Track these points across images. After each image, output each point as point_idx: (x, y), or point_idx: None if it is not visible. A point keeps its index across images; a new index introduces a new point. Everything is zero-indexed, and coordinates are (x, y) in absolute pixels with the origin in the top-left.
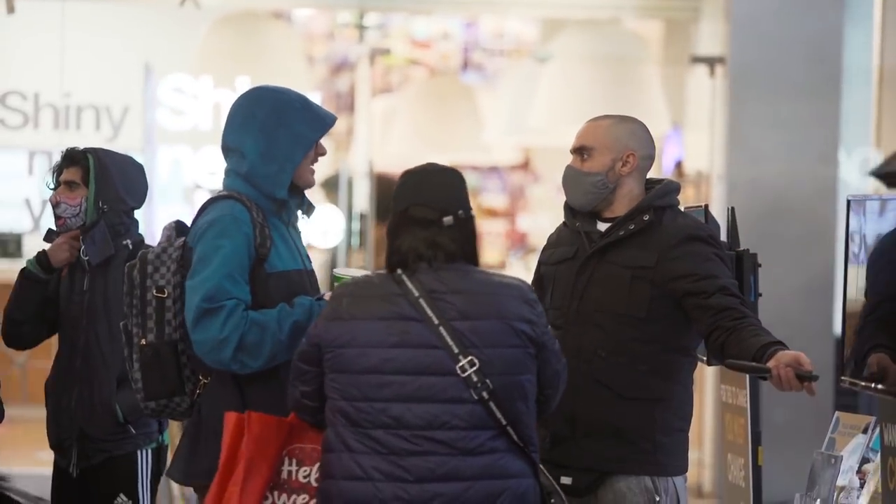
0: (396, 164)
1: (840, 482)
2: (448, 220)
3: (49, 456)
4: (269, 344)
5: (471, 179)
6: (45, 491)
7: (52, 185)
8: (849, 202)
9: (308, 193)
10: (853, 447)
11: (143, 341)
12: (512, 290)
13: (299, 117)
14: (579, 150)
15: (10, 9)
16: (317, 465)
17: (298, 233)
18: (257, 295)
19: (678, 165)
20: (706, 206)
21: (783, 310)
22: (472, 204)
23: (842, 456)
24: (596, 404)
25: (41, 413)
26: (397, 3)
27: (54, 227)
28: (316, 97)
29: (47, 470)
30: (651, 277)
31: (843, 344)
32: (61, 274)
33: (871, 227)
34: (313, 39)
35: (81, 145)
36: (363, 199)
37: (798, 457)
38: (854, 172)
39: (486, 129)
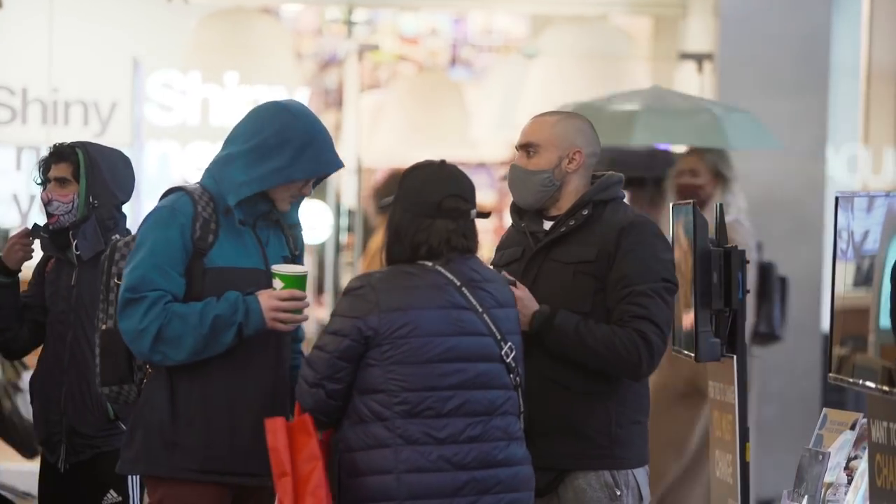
0: (384, 160)
1: (827, 479)
2: (474, 213)
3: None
4: (191, 337)
5: None
6: (33, 486)
7: (38, 181)
8: (837, 199)
9: None
10: (841, 443)
11: (104, 326)
12: (504, 279)
13: (296, 152)
14: (525, 147)
15: None
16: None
17: (279, 234)
18: (193, 288)
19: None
20: (694, 203)
21: None
22: None
23: (829, 452)
24: (549, 402)
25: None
26: None
27: (40, 224)
28: (304, 93)
29: (35, 465)
30: (592, 272)
31: (831, 340)
32: (45, 270)
33: (859, 224)
34: (302, 35)
35: (68, 140)
36: (351, 195)
37: (786, 453)
38: (842, 169)
39: (474, 125)
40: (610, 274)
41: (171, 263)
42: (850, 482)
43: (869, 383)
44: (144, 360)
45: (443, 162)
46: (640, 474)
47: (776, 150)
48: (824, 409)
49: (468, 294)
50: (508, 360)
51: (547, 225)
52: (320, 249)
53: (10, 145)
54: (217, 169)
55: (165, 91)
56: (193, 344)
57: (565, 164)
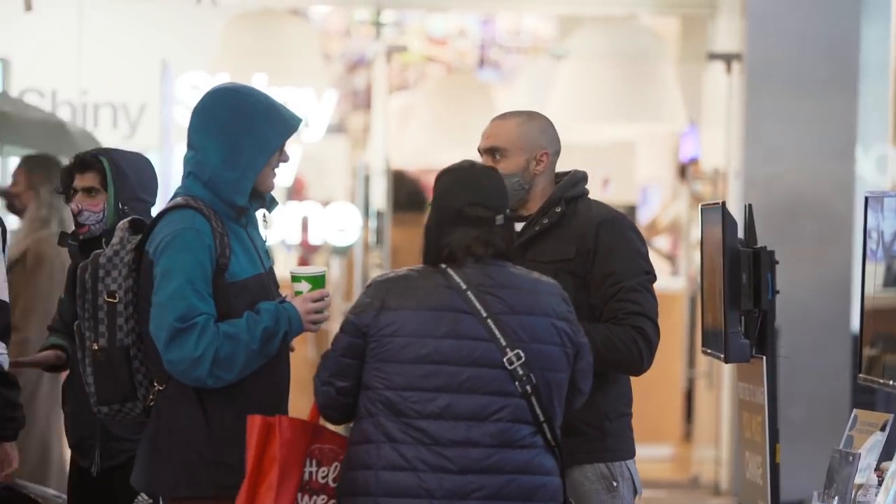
0: (413, 161)
1: (858, 480)
2: (500, 218)
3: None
4: (242, 355)
5: None
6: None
7: (59, 190)
8: (866, 199)
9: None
10: (871, 445)
11: (96, 346)
12: (551, 288)
13: (263, 120)
14: (490, 151)
15: (28, 6)
16: (334, 465)
17: (256, 228)
18: (219, 305)
19: (694, 162)
20: (723, 204)
21: (801, 307)
22: None
23: (860, 454)
24: None
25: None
26: (414, 0)
27: (67, 232)
28: (333, 94)
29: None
30: (573, 269)
31: (861, 341)
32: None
33: (889, 224)
34: (330, 37)
35: (100, 145)
36: (380, 196)
37: (816, 454)
38: (871, 169)
39: None
40: (592, 271)
41: (206, 286)
42: (880, 483)
43: None
44: (199, 386)
45: (472, 166)
46: (633, 465)
47: (806, 151)
48: (854, 410)
49: (472, 298)
50: (512, 368)
51: (518, 226)
52: (349, 251)
53: None
54: (203, 175)
55: (194, 93)
56: (245, 361)
57: (533, 167)
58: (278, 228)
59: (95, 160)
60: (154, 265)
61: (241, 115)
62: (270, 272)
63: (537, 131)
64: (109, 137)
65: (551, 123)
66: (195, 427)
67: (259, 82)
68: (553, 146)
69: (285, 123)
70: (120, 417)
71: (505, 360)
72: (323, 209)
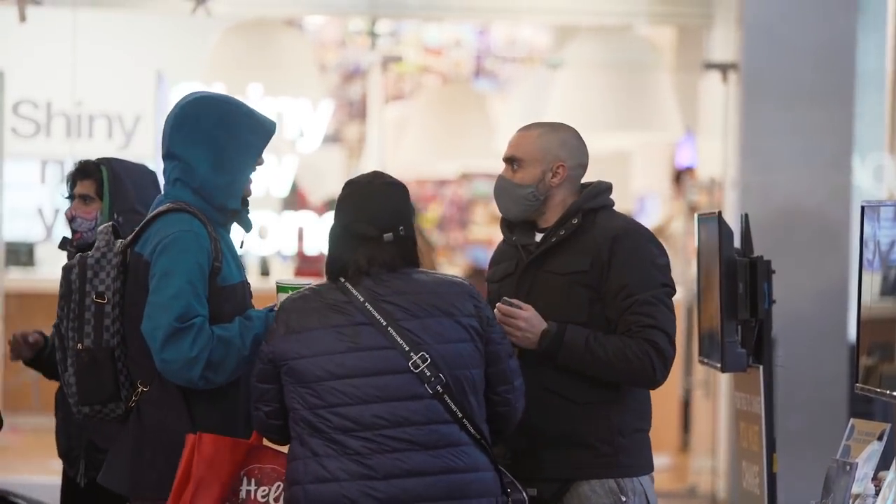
0: (409, 171)
1: (855, 490)
2: (388, 237)
3: (59, 465)
4: (234, 359)
5: (483, 186)
6: (55, 500)
7: (66, 195)
8: (863, 208)
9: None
10: (868, 454)
11: (80, 346)
12: (455, 287)
13: (246, 126)
14: (509, 160)
15: (22, 17)
16: (276, 485)
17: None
18: (210, 309)
19: (689, 171)
20: (719, 213)
21: (797, 316)
22: (484, 212)
23: (857, 463)
24: (551, 413)
25: (52, 422)
26: (409, 10)
27: (69, 237)
28: (328, 105)
29: (58, 479)
30: (587, 282)
31: (858, 350)
32: None
33: (886, 233)
34: (325, 47)
35: (94, 156)
36: None
37: (813, 464)
38: (868, 178)
39: (498, 137)
40: (607, 283)
41: (203, 289)
42: (878, 493)
43: None
44: (188, 386)
45: (370, 181)
46: (646, 481)
47: (802, 160)
48: (851, 420)
49: (371, 309)
50: (419, 370)
51: (538, 237)
52: None
53: (34, 159)
54: (194, 186)
55: None
56: (235, 366)
57: (549, 179)
58: (274, 239)
59: (95, 168)
60: (151, 266)
61: (226, 121)
62: (247, 283)
63: (556, 143)
64: (104, 148)
65: (576, 136)
66: (181, 429)
67: (254, 93)
68: (573, 159)
69: (264, 128)
70: (100, 418)
71: (410, 364)
72: (319, 219)
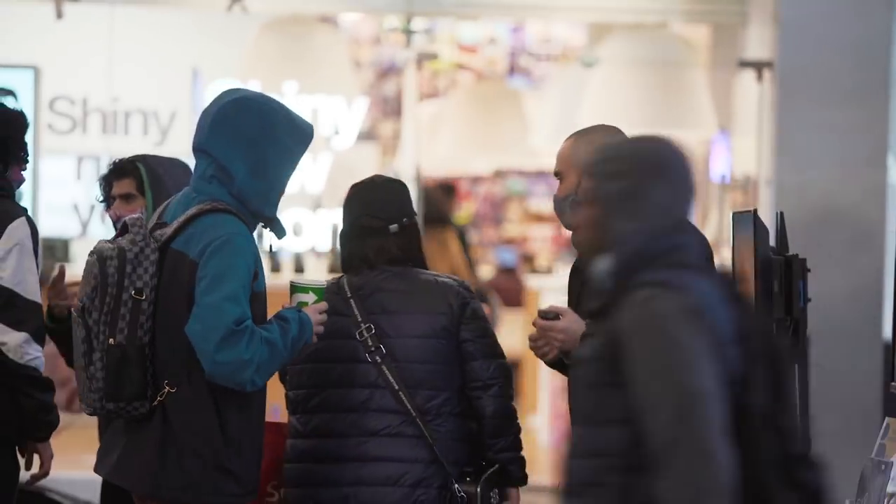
0: (444, 168)
1: (891, 489)
2: (394, 227)
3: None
4: (277, 361)
5: (517, 184)
6: (94, 495)
7: (100, 199)
8: None
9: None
10: None
11: (112, 340)
12: (438, 288)
13: (285, 131)
14: (555, 175)
15: (59, 14)
16: None
17: None
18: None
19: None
20: (754, 211)
21: (832, 315)
22: (518, 210)
23: (892, 462)
24: None
25: (88, 418)
26: (444, 7)
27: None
28: (363, 102)
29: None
30: None
31: (893, 349)
32: None
33: None
34: (360, 44)
35: (130, 152)
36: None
37: (848, 463)
38: None
39: (532, 134)
40: None
41: (249, 293)
42: None
43: None
44: (236, 389)
45: (373, 180)
46: None
47: (837, 158)
48: (886, 419)
49: (353, 303)
50: (371, 361)
51: None
52: None
53: (70, 155)
54: (230, 185)
55: None
56: (277, 368)
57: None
58: (308, 236)
59: (132, 166)
60: (200, 267)
61: (266, 125)
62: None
63: (585, 149)
64: (140, 145)
65: (612, 136)
66: (209, 433)
67: (289, 90)
68: None
69: (304, 133)
70: (123, 415)
71: (366, 354)
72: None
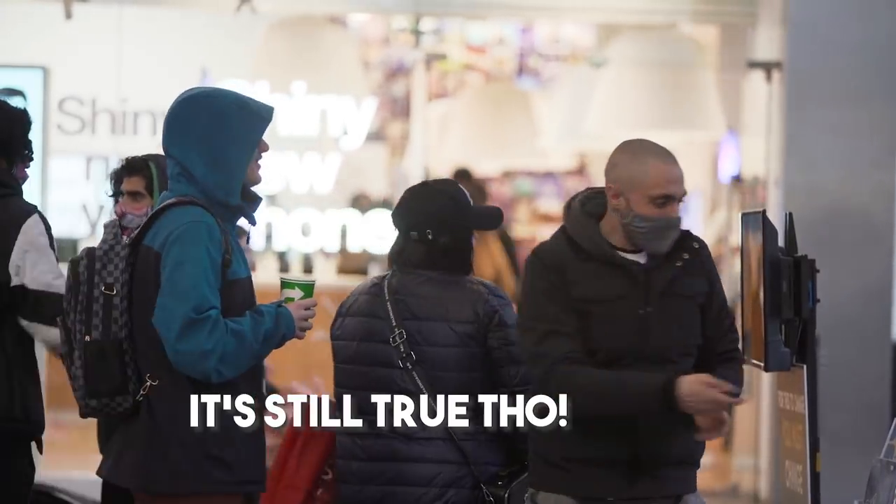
0: (452, 169)
1: None
2: (414, 235)
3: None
4: (246, 354)
5: (526, 185)
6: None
7: (110, 193)
8: None
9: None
10: None
11: (88, 338)
12: (466, 296)
13: (237, 119)
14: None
15: (68, 14)
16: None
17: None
18: (221, 303)
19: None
20: (763, 212)
21: (840, 315)
22: (526, 211)
23: None
24: (671, 436)
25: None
26: (453, 8)
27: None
28: (372, 102)
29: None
30: (703, 302)
31: None
32: None
33: None
34: (369, 44)
35: (139, 152)
36: None
37: (857, 463)
38: None
39: (541, 135)
40: (711, 302)
41: (216, 280)
42: None
43: None
44: (201, 379)
45: (423, 183)
46: None
47: (846, 159)
48: (895, 419)
49: (389, 306)
50: (402, 367)
51: (636, 258)
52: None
53: (79, 155)
54: (192, 181)
55: None
56: (247, 361)
57: (612, 202)
58: (317, 236)
59: (143, 164)
60: (162, 257)
61: (215, 118)
62: (251, 277)
63: (608, 166)
64: (149, 145)
65: (629, 155)
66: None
67: (298, 90)
68: (620, 182)
69: (258, 116)
70: (107, 411)
71: (398, 360)
72: (362, 217)
